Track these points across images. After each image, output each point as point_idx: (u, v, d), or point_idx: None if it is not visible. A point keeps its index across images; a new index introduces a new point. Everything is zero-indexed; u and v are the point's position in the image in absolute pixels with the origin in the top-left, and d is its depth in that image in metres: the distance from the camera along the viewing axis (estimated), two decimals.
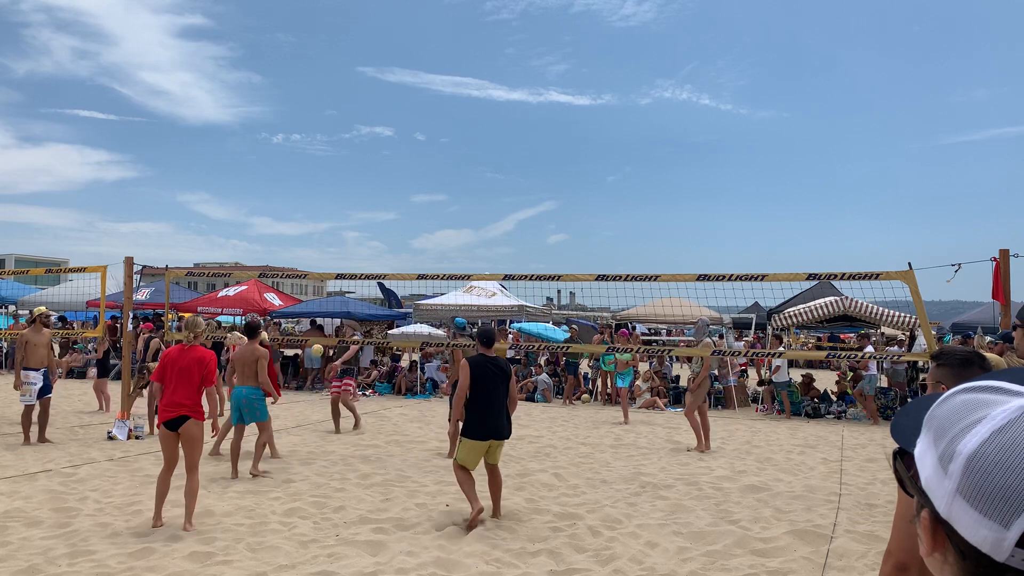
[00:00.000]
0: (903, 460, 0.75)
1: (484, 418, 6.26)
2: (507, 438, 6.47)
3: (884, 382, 16.79)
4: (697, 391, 10.25)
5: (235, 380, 8.28)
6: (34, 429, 9.64)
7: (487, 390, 6.27)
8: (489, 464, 6.49)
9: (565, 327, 23.69)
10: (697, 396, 10.23)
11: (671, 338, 22.21)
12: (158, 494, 5.98)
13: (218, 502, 6.80)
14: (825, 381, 18.00)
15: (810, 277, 9.47)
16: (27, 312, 21.61)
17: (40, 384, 9.61)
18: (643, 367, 17.29)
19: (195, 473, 6.01)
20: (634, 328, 21.04)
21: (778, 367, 14.46)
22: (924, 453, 0.71)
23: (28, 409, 9.52)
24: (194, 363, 6.07)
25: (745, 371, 17.77)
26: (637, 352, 12.49)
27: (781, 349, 14.80)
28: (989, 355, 3.17)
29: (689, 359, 20.40)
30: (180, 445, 6.01)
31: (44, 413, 9.64)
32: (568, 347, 12.80)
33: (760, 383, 16.64)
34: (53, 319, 11.53)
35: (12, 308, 24.05)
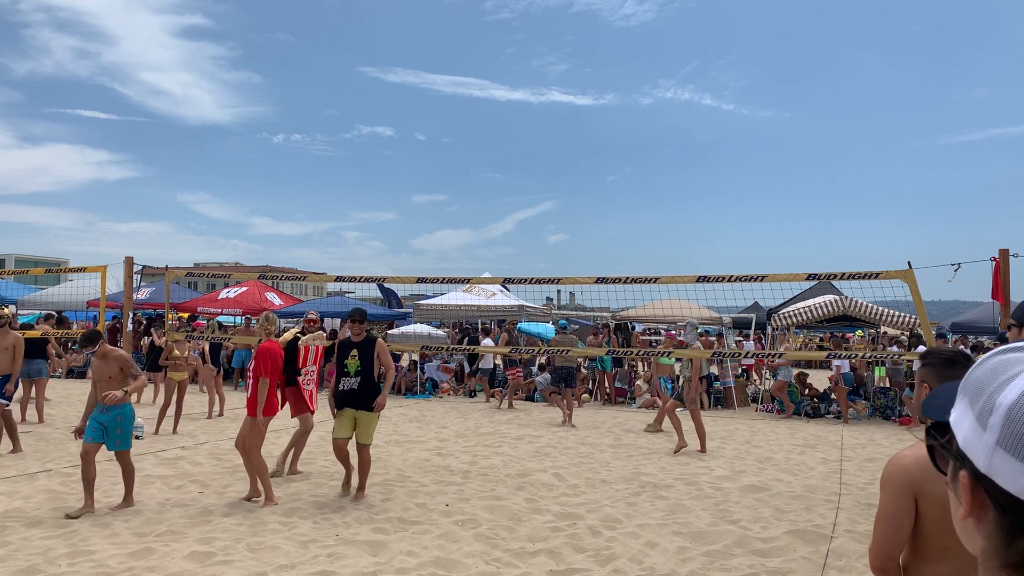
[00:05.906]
0: (937, 434, 0.77)
1: (337, 389, 7.12)
2: (360, 409, 6.99)
3: (883, 382, 16.78)
4: (691, 392, 10.20)
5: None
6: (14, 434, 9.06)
7: (340, 367, 7.14)
8: (358, 443, 7.06)
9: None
10: (691, 397, 10.19)
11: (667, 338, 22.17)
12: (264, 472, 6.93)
13: (218, 502, 6.80)
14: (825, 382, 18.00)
15: (810, 277, 9.46)
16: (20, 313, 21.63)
17: None
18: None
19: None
20: (633, 328, 21.03)
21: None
22: (961, 416, 0.73)
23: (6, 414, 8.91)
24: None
25: (745, 371, 17.76)
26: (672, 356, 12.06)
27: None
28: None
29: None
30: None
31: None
32: (568, 350, 12.79)
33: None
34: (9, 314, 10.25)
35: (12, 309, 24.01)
